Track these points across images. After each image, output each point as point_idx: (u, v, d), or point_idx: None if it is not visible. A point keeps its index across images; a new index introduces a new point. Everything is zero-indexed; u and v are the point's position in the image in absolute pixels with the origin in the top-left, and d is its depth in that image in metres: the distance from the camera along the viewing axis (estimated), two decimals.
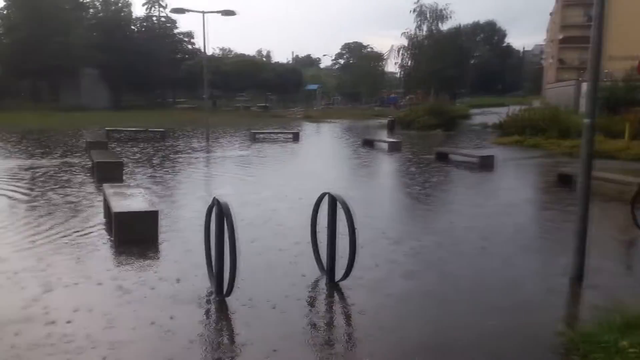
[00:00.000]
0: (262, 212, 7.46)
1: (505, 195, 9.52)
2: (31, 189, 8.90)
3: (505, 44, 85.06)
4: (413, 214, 8.30)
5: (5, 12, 40.48)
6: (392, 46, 47.82)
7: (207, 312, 4.12)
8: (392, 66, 49.55)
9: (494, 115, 24.50)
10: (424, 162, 13.87)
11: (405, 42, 44.05)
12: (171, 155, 14.12)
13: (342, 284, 4.60)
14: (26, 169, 11.16)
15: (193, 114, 32.60)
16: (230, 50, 66.97)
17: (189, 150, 15.51)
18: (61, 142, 16.79)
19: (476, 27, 77.42)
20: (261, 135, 19.89)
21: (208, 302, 4.26)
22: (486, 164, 12.64)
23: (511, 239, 6.36)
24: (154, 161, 12.96)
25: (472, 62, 61.56)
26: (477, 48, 73.72)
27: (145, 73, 43.24)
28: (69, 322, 3.81)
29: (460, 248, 5.95)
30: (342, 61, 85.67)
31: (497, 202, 8.83)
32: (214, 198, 4.26)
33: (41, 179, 9.95)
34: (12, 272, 4.81)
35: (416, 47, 43.40)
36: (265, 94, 51.08)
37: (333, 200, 4.57)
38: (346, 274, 4.51)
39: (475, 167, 12.61)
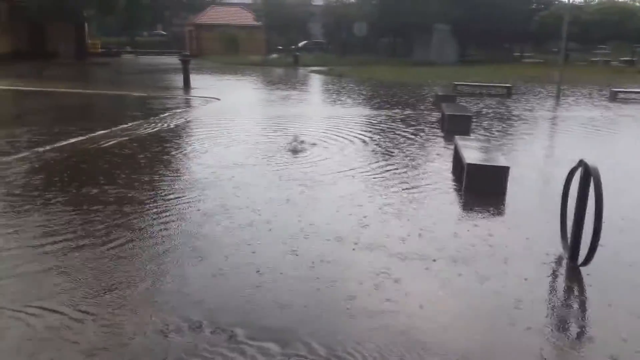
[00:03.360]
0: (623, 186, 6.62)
1: None
2: (386, 136, 10.17)
3: None
4: None
5: None
6: None
7: (556, 275, 4.05)
8: None
9: None
10: None
11: None
12: (515, 112, 13.74)
13: None
14: (381, 117, 12.75)
15: (540, 69, 30.53)
16: None
17: (536, 108, 14.73)
18: (412, 93, 18.40)
19: None
20: (622, 95, 17.16)
21: (558, 265, 4.17)
22: None
23: None
24: (498, 116, 12.89)
25: None
26: None
27: (496, 27, 42.34)
28: (402, 257, 4.35)
29: None
30: None
31: None
32: (581, 160, 4.05)
33: (395, 127, 11.22)
34: (374, 208, 5.74)
35: None
36: (632, 47, 43.16)
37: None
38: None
39: None
